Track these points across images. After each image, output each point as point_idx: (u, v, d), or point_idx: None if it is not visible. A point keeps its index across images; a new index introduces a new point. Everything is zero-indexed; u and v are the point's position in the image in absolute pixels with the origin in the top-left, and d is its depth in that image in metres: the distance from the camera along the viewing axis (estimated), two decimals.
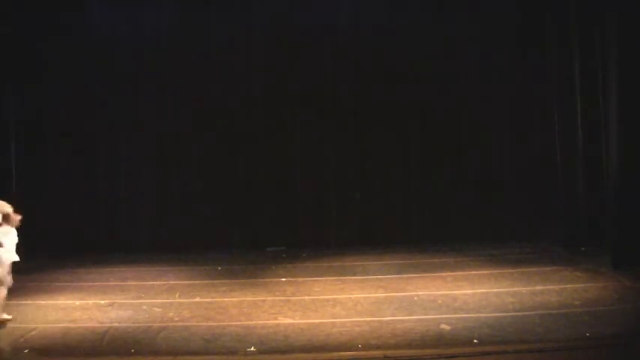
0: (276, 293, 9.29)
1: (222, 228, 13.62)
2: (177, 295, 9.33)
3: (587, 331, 7.00)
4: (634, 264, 9.59)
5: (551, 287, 9.00)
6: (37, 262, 11.90)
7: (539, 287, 9.03)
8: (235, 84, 13.56)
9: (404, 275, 10.24)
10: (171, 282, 10.27)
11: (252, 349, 6.81)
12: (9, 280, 7.88)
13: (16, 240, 7.88)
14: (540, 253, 11.76)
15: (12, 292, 9.53)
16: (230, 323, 7.80)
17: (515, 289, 9.02)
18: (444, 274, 10.24)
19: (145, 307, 8.49)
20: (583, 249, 11.49)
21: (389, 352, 6.46)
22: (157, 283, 10.25)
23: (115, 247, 13.17)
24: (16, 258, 7.85)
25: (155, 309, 8.53)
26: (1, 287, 7.74)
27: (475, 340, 6.84)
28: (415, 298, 8.68)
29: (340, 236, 13.46)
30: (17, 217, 7.89)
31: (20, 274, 10.90)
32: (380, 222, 13.44)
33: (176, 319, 8.10)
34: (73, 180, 13.41)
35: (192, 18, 13.66)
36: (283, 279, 10.28)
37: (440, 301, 8.48)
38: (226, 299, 9.04)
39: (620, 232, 9.97)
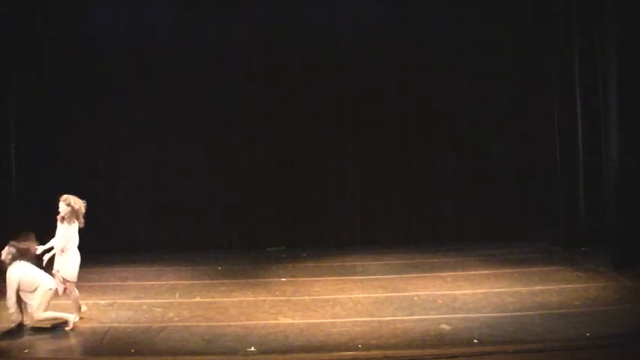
0: (276, 293, 9.30)
1: (222, 228, 13.63)
2: (177, 295, 9.33)
3: (587, 331, 7.01)
4: (634, 264, 9.60)
5: (551, 287, 9.01)
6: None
7: (539, 287, 9.04)
8: (235, 84, 13.55)
9: (404, 275, 10.25)
10: (171, 282, 10.27)
11: (252, 349, 6.81)
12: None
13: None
14: (540, 253, 11.77)
15: None
16: (230, 323, 7.81)
17: (515, 289, 9.02)
18: (444, 274, 10.24)
19: (145, 307, 8.50)
20: (583, 249, 11.50)
21: (389, 352, 6.46)
22: (157, 283, 10.25)
23: (115, 247, 13.17)
24: None
25: (155, 309, 8.53)
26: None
27: (475, 340, 6.84)
28: (415, 298, 8.69)
29: (340, 236, 13.47)
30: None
31: None
32: (380, 222, 13.44)
33: (176, 319, 8.10)
34: (72, 180, 13.39)
35: (191, 18, 13.65)
36: (283, 279, 10.28)
37: (440, 301, 8.48)
38: (226, 299, 9.04)
39: (620, 232, 9.97)
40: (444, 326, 7.35)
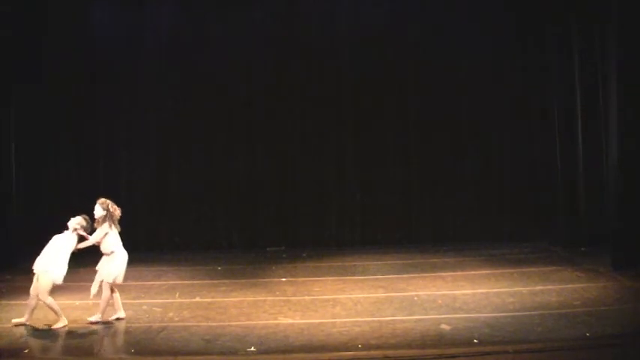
0: (276, 293, 9.30)
1: (222, 228, 13.63)
2: (177, 295, 9.33)
3: (587, 331, 7.00)
4: (634, 264, 9.59)
5: (551, 287, 9.00)
6: None
7: (539, 287, 9.04)
8: (235, 84, 13.56)
9: (404, 275, 10.24)
10: (171, 282, 10.27)
11: (252, 349, 6.80)
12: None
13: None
14: (540, 253, 11.77)
15: (12, 292, 9.58)
16: (230, 323, 7.81)
17: (515, 289, 9.02)
18: (444, 274, 10.24)
19: (145, 307, 8.49)
20: (583, 249, 11.51)
21: (389, 352, 6.46)
22: (157, 283, 10.25)
23: None
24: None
25: (155, 309, 8.52)
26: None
27: (475, 340, 6.83)
28: (415, 298, 8.69)
29: (340, 236, 13.47)
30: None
31: (20, 274, 10.93)
32: (380, 222, 13.44)
33: (176, 319, 8.10)
34: (73, 180, 13.42)
35: (191, 17, 13.65)
36: (283, 279, 10.28)
37: (440, 301, 8.48)
38: (226, 299, 9.04)
39: (620, 232, 9.96)
40: (444, 326, 7.35)
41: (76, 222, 7.91)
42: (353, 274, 10.45)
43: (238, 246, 13.44)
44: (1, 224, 11.72)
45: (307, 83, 13.55)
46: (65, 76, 13.24)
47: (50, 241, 7.87)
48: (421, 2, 13.56)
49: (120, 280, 8.08)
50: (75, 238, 7.87)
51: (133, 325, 7.90)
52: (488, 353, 6.40)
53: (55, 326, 7.73)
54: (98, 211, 8.03)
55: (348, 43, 13.59)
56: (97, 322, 7.96)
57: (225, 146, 13.61)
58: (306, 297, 9.01)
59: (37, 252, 7.81)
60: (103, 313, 8.04)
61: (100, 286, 8.04)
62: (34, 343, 7.29)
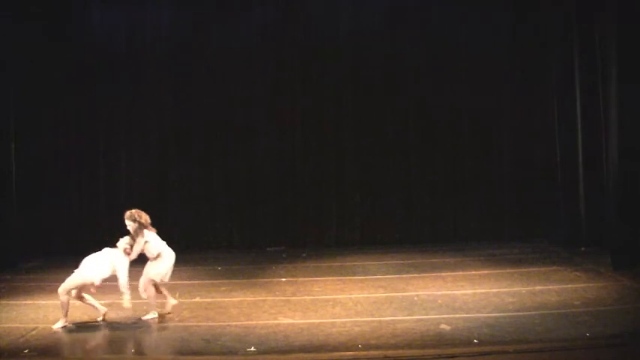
0: (276, 293, 9.30)
1: (222, 228, 13.63)
2: (177, 295, 9.32)
3: (587, 331, 7.00)
4: (634, 264, 9.59)
5: (551, 287, 9.00)
6: (37, 262, 11.93)
7: (539, 287, 9.04)
8: (235, 83, 13.57)
9: (404, 275, 10.25)
10: (172, 282, 10.22)
11: (252, 349, 6.80)
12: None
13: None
14: (540, 253, 11.78)
15: (12, 292, 9.58)
16: (230, 323, 7.80)
17: (515, 289, 9.02)
18: (444, 274, 10.24)
19: (145, 307, 8.48)
20: (583, 249, 11.51)
21: (389, 352, 6.45)
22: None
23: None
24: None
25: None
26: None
27: (475, 340, 6.83)
28: (415, 298, 8.69)
29: (340, 236, 13.47)
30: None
31: (20, 274, 10.94)
32: (380, 222, 13.45)
33: (176, 319, 8.11)
34: (73, 180, 13.42)
35: (191, 17, 13.66)
36: (283, 279, 10.28)
37: (440, 301, 8.48)
38: (226, 299, 9.05)
39: (620, 232, 9.96)
40: (444, 326, 7.35)
41: (125, 242, 8.08)
42: (353, 274, 10.45)
43: (238, 246, 13.45)
44: (1, 224, 11.72)
45: (307, 83, 13.56)
46: (65, 75, 13.23)
47: (102, 251, 8.07)
48: (421, 2, 13.57)
49: (166, 279, 8.26)
50: (127, 259, 8.05)
51: (133, 325, 7.90)
52: (488, 353, 6.40)
53: (54, 326, 7.74)
54: (131, 226, 8.11)
55: (348, 43, 13.60)
56: (153, 318, 8.07)
57: (225, 146, 13.61)
58: (306, 297, 9.01)
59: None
60: (154, 308, 8.15)
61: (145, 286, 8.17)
62: (34, 343, 7.28)
